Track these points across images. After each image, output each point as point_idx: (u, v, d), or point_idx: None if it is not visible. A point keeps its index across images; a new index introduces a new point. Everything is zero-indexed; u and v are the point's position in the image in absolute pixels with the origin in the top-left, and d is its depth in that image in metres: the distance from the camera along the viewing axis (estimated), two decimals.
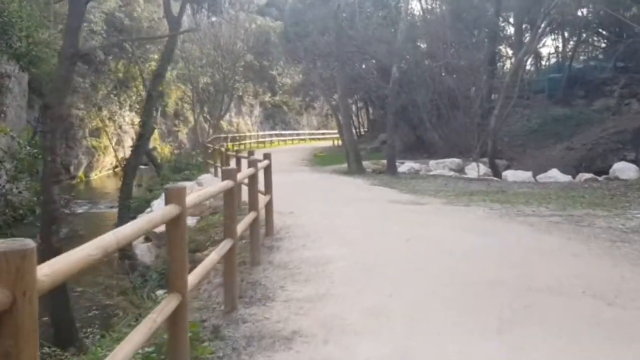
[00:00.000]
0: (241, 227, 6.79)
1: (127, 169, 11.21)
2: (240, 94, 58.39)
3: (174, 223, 3.78)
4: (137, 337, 3.11)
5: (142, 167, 42.98)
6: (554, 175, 19.09)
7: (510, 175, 19.70)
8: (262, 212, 9.54)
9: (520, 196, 14.29)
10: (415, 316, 5.28)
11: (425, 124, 27.19)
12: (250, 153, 11.23)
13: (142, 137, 10.98)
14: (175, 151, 46.80)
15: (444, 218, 10.97)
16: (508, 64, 32.32)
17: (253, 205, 7.63)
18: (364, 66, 32.42)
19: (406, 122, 29.54)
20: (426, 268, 7.00)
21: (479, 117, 23.60)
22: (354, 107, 44.18)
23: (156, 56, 42.81)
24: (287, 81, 58.00)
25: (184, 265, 3.92)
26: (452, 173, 20.98)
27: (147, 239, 14.24)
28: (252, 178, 7.60)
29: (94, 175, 36.94)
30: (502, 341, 4.65)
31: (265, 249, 8.64)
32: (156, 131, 47.64)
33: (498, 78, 29.38)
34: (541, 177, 19.14)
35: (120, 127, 40.92)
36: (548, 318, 5.17)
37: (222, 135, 42.49)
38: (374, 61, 30.19)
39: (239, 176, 6.46)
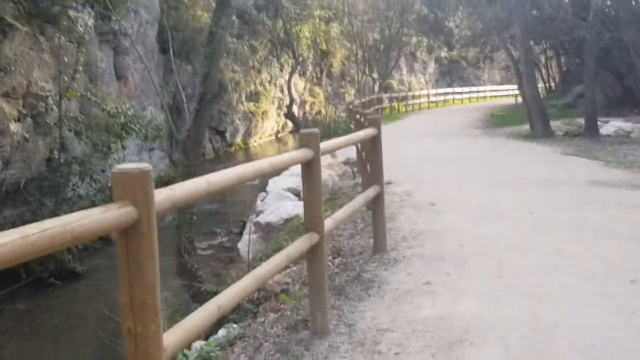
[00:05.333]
0: (269, 268, 3.11)
1: (186, 145, 8.05)
2: (412, 49, 53.96)
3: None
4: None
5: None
6: None
7: None
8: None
9: None
10: None
11: (637, 70, 20.97)
12: (362, 116, 7.41)
13: (204, 99, 7.75)
14: (342, 114, 44.06)
15: None
16: None
17: (311, 221, 3.86)
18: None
19: (610, 70, 23.40)
20: None
21: None
22: (542, 58, 37.78)
23: (318, 12, 40.10)
24: (467, 33, 52.35)
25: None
26: None
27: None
28: (309, 170, 3.82)
29: (254, 142, 35.21)
30: None
31: (358, 286, 4.86)
32: (321, 93, 45.36)
33: None
34: None
35: (282, 91, 38.85)
36: None
37: (385, 95, 38.67)
38: None
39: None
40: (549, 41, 32.62)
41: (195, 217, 8.24)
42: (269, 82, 37.28)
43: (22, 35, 10.57)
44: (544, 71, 37.84)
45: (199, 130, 8.15)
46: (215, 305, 2.54)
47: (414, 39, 50.37)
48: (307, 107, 43.22)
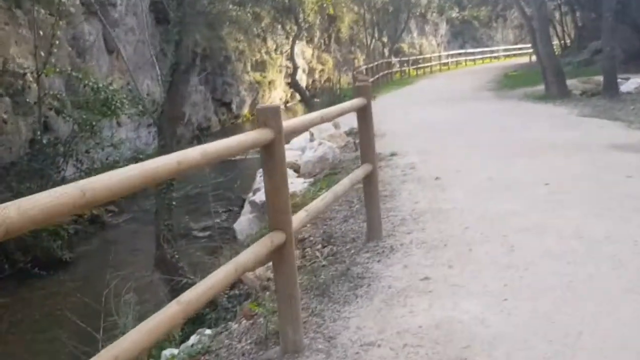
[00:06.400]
0: (201, 292, 2.41)
1: (161, 123, 7.27)
2: (423, 11, 52.52)
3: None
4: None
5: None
6: None
7: None
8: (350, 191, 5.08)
9: None
10: None
11: None
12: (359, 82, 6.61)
13: (177, 70, 6.94)
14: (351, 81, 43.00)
15: None
16: None
17: (275, 217, 3.14)
18: None
19: (628, 24, 22.18)
20: None
21: None
22: (557, 14, 36.31)
23: None
24: None
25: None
26: None
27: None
28: (269, 155, 3.09)
29: None
30: None
31: (345, 284, 4.17)
32: (330, 60, 44.25)
33: None
34: None
35: (289, 59, 37.80)
36: None
37: (395, 59, 37.63)
38: None
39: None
40: None
41: (175, 203, 7.55)
42: (275, 50, 36.27)
43: None
44: (558, 28, 36.42)
45: (174, 105, 7.39)
46: (111, 356, 1.85)
47: (424, 0, 48.98)
48: (316, 75, 42.22)
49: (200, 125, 26.05)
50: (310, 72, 41.35)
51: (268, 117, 3.08)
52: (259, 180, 11.65)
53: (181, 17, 7.01)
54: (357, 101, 4.74)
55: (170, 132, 7.37)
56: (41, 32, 10.29)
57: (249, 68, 32.54)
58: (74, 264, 10.01)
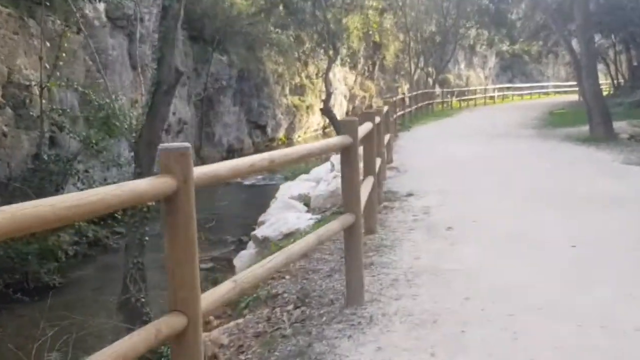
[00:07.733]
0: None
1: (138, 148, 6.57)
2: (472, 42, 51.50)
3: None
4: None
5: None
6: None
7: None
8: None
9: None
10: None
11: None
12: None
13: (157, 91, 6.29)
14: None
15: None
16: None
17: (177, 295, 2.35)
18: None
19: None
20: None
21: None
22: (611, 52, 34.88)
23: (374, 3, 38.13)
24: (528, 25, 49.54)
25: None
26: None
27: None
28: (172, 210, 2.31)
29: (298, 137, 33.79)
30: None
31: None
32: (373, 87, 43.57)
33: None
34: None
35: (331, 84, 37.20)
36: None
37: (438, 90, 36.71)
38: None
39: None
40: (619, 34, 29.98)
41: (147, 238, 6.83)
42: (316, 75, 35.76)
43: (2, 18, 9.44)
44: (612, 67, 34.97)
45: (153, 130, 6.69)
46: None
47: (473, 32, 47.96)
48: (358, 102, 41.58)
49: (232, 146, 25.56)
50: (352, 98, 40.78)
51: (171, 161, 2.30)
52: (268, 212, 10.89)
53: (165, 32, 6.35)
54: (338, 139, 3.95)
55: (147, 159, 6.67)
56: (48, 44, 9.88)
57: (287, 91, 32.10)
58: (62, 290, 9.39)
